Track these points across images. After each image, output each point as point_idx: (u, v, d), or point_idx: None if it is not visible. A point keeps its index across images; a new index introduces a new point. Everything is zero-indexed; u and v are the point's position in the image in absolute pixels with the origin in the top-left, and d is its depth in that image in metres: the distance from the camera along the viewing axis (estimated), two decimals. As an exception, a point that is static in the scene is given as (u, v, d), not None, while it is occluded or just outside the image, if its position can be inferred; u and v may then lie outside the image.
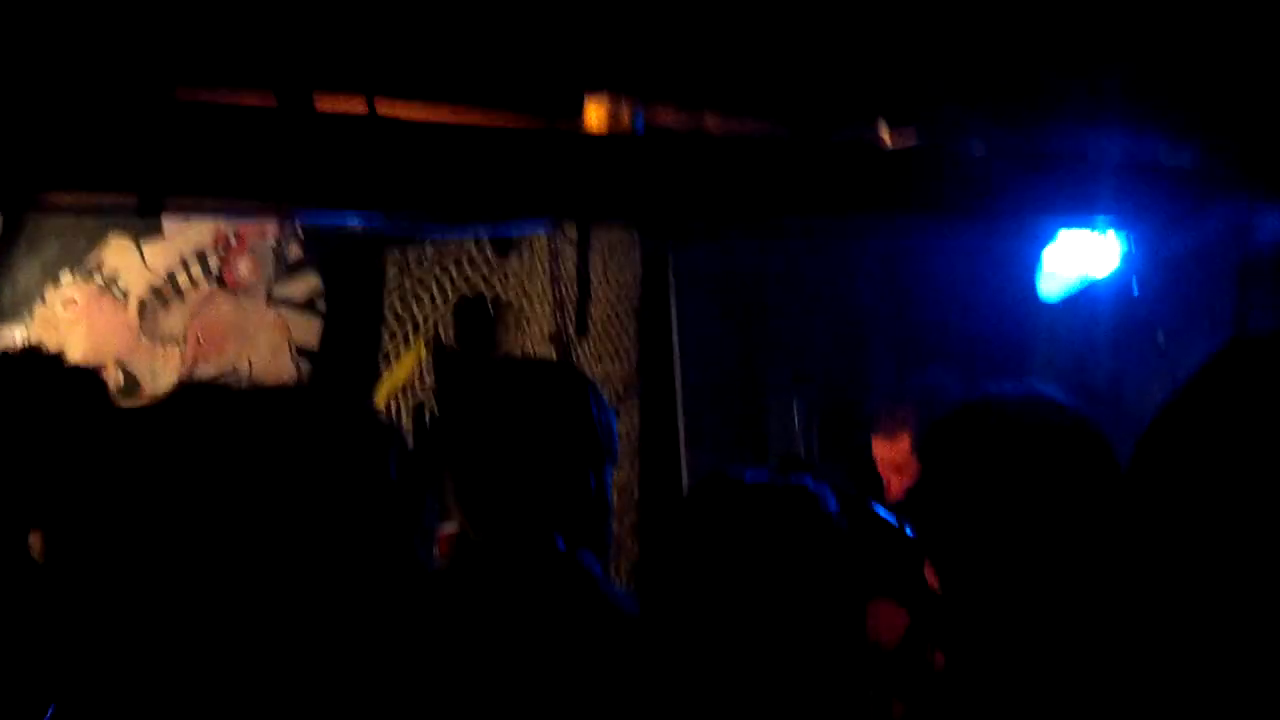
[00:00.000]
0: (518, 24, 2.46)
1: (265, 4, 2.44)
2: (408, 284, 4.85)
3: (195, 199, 3.09)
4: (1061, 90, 2.44)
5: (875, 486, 3.48)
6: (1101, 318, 3.64)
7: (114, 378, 4.50)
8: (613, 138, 2.67)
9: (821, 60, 2.46)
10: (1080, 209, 3.02)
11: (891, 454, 3.34)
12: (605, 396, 2.03)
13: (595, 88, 2.64)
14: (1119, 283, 3.50)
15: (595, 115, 2.58)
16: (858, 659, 1.51)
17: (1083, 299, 3.57)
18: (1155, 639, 1.20)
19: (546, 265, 4.57)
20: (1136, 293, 3.61)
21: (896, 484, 3.36)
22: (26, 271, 4.38)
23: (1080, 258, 3.40)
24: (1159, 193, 2.63)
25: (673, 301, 4.25)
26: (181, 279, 4.48)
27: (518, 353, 4.83)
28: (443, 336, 4.91)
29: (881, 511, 2.72)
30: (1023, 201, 2.92)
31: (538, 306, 4.71)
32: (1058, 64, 2.45)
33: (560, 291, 4.54)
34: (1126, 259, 3.34)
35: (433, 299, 4.89)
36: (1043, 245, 3.39)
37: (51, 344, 4.41)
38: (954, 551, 1.52)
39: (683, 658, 1.48)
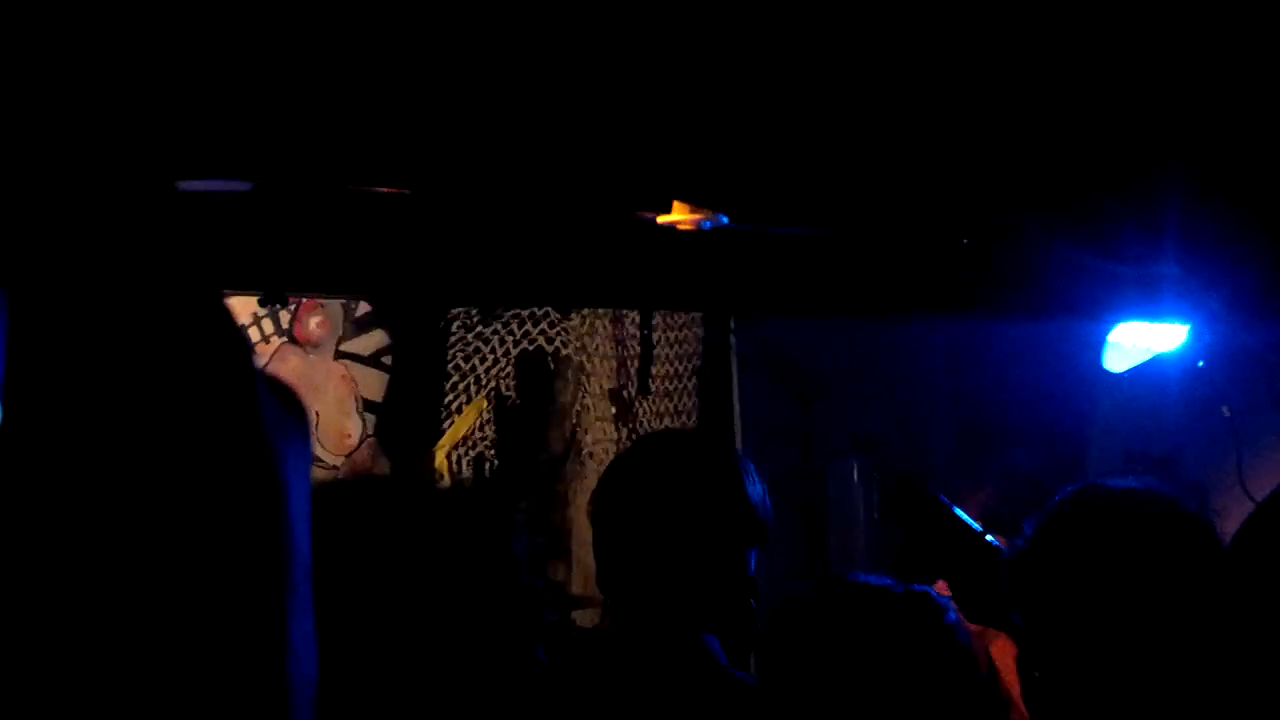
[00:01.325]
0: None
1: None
2: (470, 339, 4.93)
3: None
4: (1123, 198, 2.47)
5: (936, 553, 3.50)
6: (1168, 392, 3.65)
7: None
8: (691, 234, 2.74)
9: (899, 177, 2.50)
10: (1143, 313, 3.05)
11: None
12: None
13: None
14: (1185, 357, 3.51)
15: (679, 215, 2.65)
16: None
17: (1147, 373, 3.58)
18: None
19: (608, 324, 4.63)
20: (1202, 364, 3.61)
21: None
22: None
23: (1146, 333, 3.42)
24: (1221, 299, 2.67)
25: (734, 364, 4.29)
26: (253, 334, 4.57)
27: (578, 408, 4.89)
28: (504, 390, 4.98)
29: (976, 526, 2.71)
30: (1084, 304, 2.95)
31: (598, 364, 4.77)
32: (1117, 175, 2.49)
33: (622, 351, 4.60)
34: (1193, 334, 3.36)
35: (494, 354, 4.96)
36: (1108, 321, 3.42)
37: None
38: (1058, 639, 1.55)
39: None
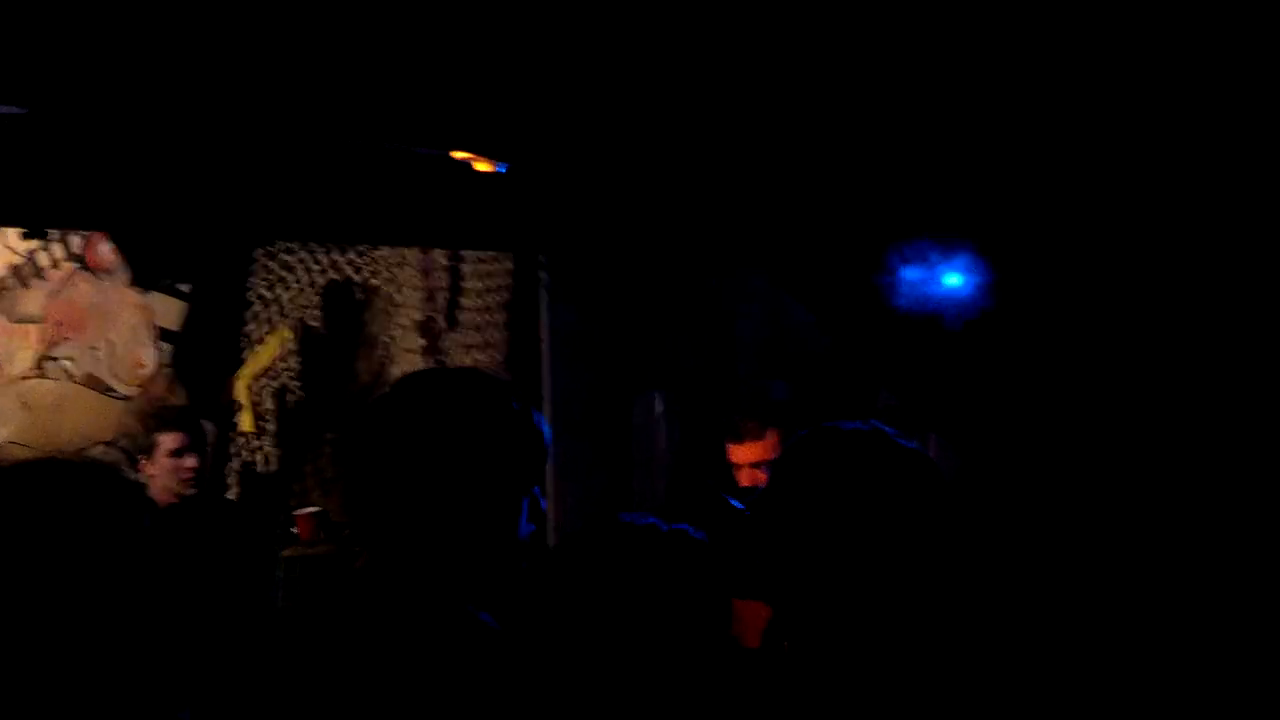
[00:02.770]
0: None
1: None
2: (274, 267, 4.82)
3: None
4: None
5: (730, 484, 3.64)
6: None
7: (-33, 357, 4.38)
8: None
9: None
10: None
11: (759, 453, 3.50)
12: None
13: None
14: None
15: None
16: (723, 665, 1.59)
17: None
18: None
19: (417, 255, 4.59)
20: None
21: (755, 476, 3.52)
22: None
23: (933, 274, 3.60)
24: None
25: (542, 297, 4.33)
26: (42, 259, 4.37)
27: (386, 338, 4.85)
28: (309, 321, 4.90)
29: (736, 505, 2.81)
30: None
31: (407, 294, 4.74)
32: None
33: (430, 282, 4.57)
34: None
35: (300, 283, 4.87)
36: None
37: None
38: (801, 564, 1.62)
39: (561, 681, 1.54)
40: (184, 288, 4.67)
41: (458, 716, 1.49)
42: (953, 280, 3.58)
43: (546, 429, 1.65)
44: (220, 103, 2.77)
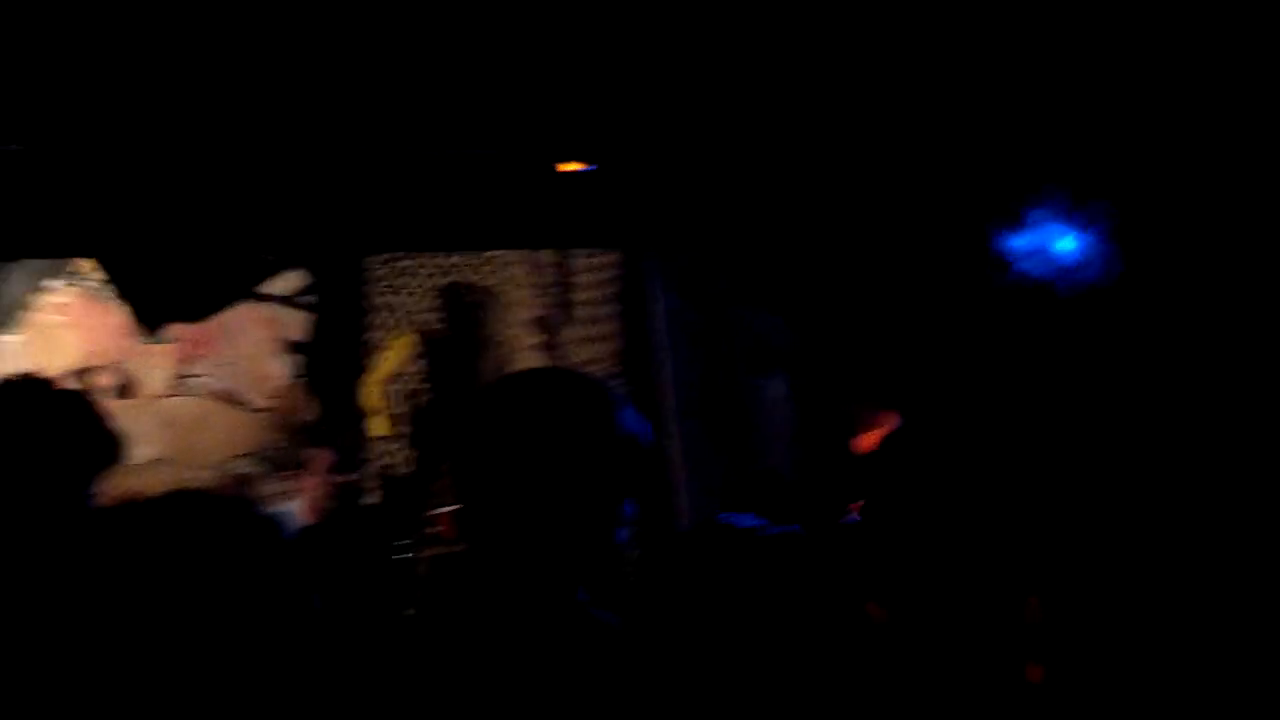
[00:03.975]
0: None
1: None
2: (391, 275, 4.93)
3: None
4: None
5: (855, 471, 3.57)
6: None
7: (109, 380, 4.58)
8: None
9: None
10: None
11: (873, 442, 3.43)
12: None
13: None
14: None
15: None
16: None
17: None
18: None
19: (527, 253, 4.63)
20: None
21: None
22: (14, 280, 4.45)
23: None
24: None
25: (654, 287, 4.32)
26: (172, 281, 4.55)
27: (503, 337, 4.91)
28: (430, 324, 4.99)
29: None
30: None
31: (520, 292, 4.78)
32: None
33: (542, 277, 4.60)
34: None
35: (419, 289, 4.96)
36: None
37: (45, 350, 4.49)
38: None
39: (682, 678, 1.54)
40: (307, 299, 4.81)
41: (585, 713, 1.51)
42: (1065, 249, 3.46)
43: (645, 431, 1.66)
44: (336, 122, 2.85)
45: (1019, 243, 3.41)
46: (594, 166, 3.20)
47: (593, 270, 4.45)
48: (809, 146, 3.12)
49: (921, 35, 2.86)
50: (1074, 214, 3.46)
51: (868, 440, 3.48)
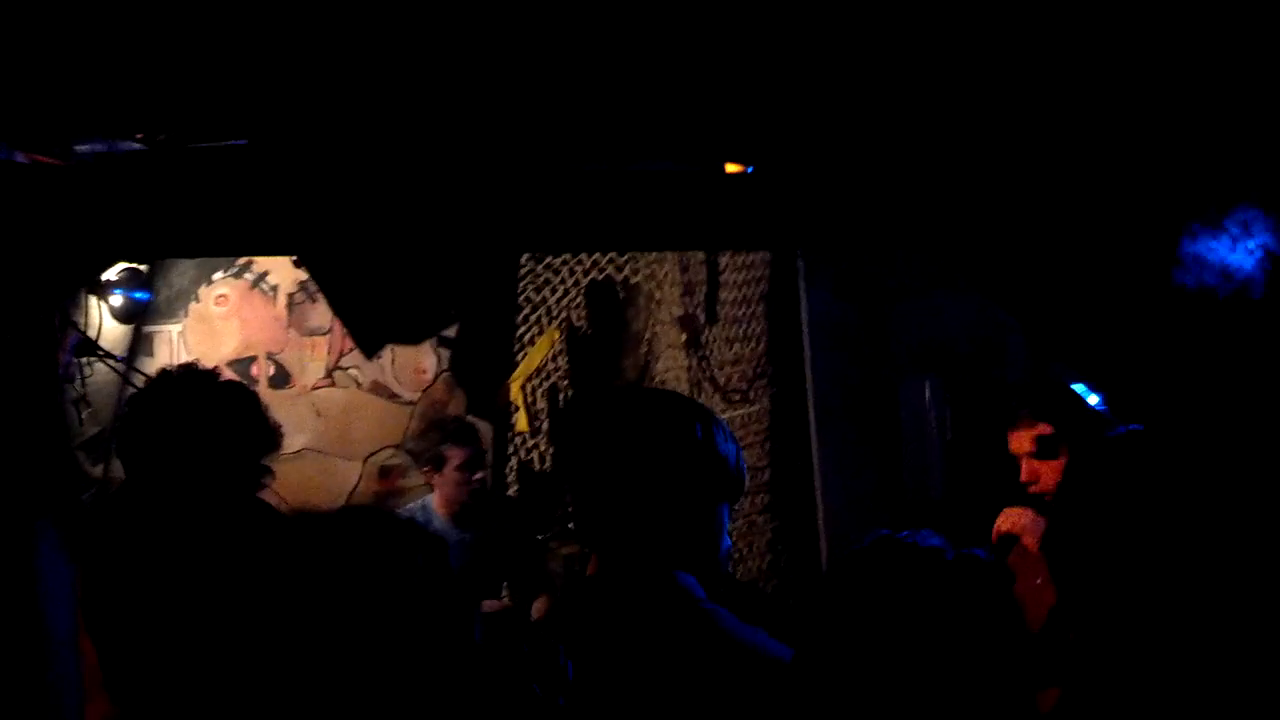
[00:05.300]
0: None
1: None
2: (540, 271, 4.95)
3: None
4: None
5: (1011, 471, 3.45)
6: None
7: (265, 370, 4.71)
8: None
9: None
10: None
11: (1033, 444, 3.31)
12: (729, 428, 1.86)
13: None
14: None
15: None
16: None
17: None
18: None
19: (674, 252, 4.60)
20: None
21: (1033, 469, 3.33)
22: (181, 271, 4.61)
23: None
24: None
25: (801, 286, 4.24)
26: (321, 275, 4.65)
27: (649, 335, 4.89)
28: (575, 321, 5.01)
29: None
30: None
31: (667, 290, 4.76)
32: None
33: (689, 277, 4.57)
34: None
35: (565, 285, 4.98)
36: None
37: (206, 339, 4.63)
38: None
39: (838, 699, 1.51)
40: (459, 295, 4.87)
41: None
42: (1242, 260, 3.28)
43: (732, 450, 1.82)
44: (495, 130, 2.91)
45: (1210, 251, 3.25)
46: (751, 169, 3.20)
47: (741, 269, 4.39)
48: (972, 146, 3.04)
49: (1097, 40, 2.78)
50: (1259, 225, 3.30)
51: (1019, 443, 3.36)
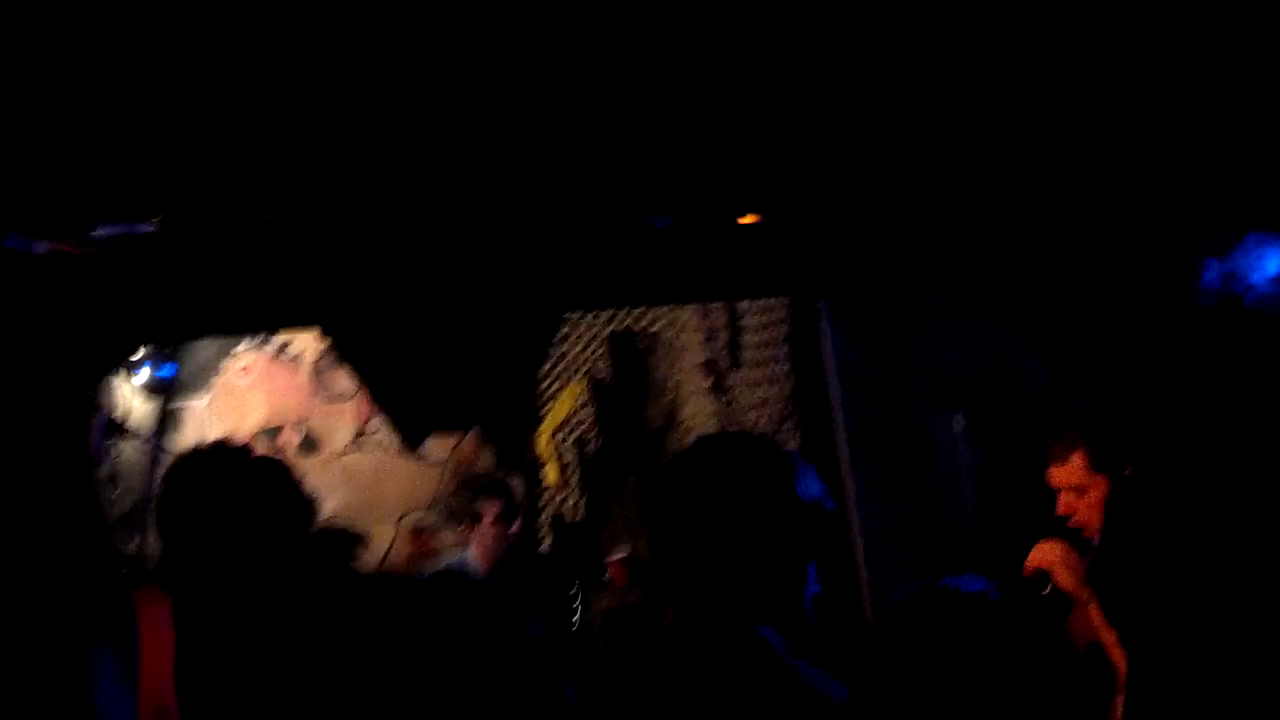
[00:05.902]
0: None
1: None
2: (561, 323, 4.96)
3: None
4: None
5: (1045, 503, 3.42)
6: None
7: (293, 439, 4.72)
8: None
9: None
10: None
11: (1067, 477, 3.28)
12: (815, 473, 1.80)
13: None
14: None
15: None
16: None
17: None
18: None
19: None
20: None
21: (1068, 502, 3.30)
22: (204, 345, 4.64)
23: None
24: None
25: (824, 327, 4.24)
26: (345, 341, 4.67)
27: (672, 382, 4.89)
28: (599, 372, 5.01)
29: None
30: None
31: (688, 337, 4.76)
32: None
33: (710, 322, 4.57)
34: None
35: (585, 337, 4.99)
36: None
37: (233, 411, 4.65)
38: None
39: None
40: (482, 351, 4.88)
41: None
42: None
43: (822, 494, 1.76)
44: (515, 194, 2.93)
45: (1227, 277, 3.23)
46: (768, 218, 3.22)
47: (761, 312, 4.39)
48: (986, 185, 3.05)
49: (1118, 60, 2.79)
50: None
51: (1057, 476, 3.33)
